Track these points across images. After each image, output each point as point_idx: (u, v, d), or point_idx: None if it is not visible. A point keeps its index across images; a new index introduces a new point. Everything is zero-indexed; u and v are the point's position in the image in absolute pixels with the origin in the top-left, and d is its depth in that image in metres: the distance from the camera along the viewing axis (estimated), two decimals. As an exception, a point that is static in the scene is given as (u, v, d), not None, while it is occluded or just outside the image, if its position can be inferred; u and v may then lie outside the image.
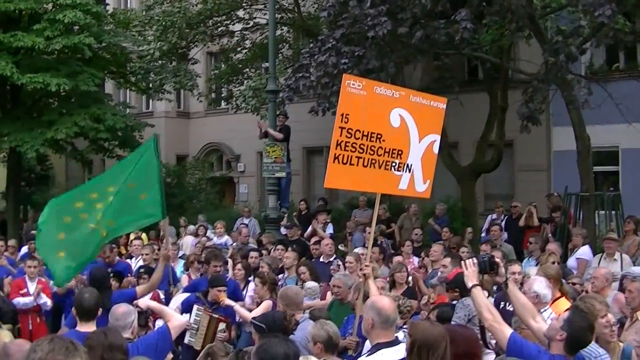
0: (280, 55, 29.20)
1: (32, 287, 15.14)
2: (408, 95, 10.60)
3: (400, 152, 10.28)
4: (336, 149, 9.81)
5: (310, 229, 21.75)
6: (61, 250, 12.58)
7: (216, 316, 12.36)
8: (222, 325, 12.33)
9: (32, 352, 4.21)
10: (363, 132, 9.94)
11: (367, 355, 7.43)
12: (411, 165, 10.41)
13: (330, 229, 21.76)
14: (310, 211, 24.79)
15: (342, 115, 9.82)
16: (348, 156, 9.88)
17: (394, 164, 10.25)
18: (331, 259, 16.66)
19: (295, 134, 24.21)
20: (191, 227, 24.44)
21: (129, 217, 12.98)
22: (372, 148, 10.03)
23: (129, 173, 13.12)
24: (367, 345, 7.93)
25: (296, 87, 20.84)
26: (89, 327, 8.65)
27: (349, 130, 9.86)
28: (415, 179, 10.54)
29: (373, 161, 10.08)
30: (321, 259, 16.84)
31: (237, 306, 12.43)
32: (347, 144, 9.87)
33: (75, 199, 13.08)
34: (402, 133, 10.30)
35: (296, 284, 13.70)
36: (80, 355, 4.21)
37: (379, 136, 10.06)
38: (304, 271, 14.45)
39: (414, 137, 10.40)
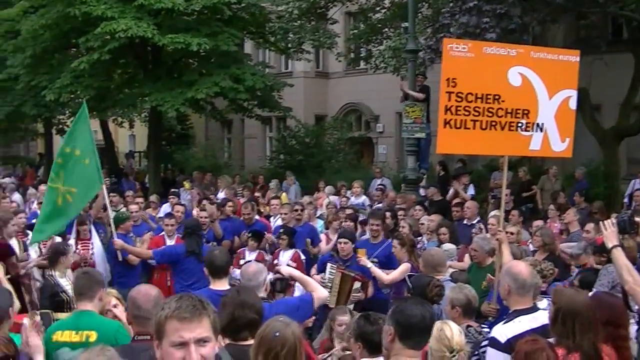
0: (419, 14, 28.85)
1: (170, 244, 15.12)
2: (528, 52, 10.28)
3: (526, 112, 9.99)
4: (446, 114, 9.62)
5: (452, 191, 21.49)
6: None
7: (352, 274, 12.43)
8: (357, 284, 12.36)
9: (160, 310, 4.20)
10: (476, 94, 9.70)
11: (504, 323, 7.29)
12: (542, 124, 10.11)
13: (471, 191, 21.46)
14: (449, 173, 24.56)
15: (448, 79, 9.60)
16: (461, 120, 9.67)
17: (519, 124, 9.98)
18: (474, 222, 16.40)
19: (435, 94, 23.90)
20: (330, 187, 24.53)
21: (83, 185, 13.28)
22: (490, 110, 9.79)
23: (72, 139, 13.59)
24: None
25: (437, 48, 20.57)
26: (221, 285, 8.78)
27: (459, 94, 9.63)
28: (551, 138, 10.25)
29: (493, 123, 9.84)
30: (465, 221, 16.62)
31: (373, 267, 12.38)
32: (459, 108, 9.65)
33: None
34: (526, 92, 9.99)
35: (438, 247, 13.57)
36: (207, 314, 4.15)
37: (496, 97, 9.81)
38: (444, 232, 14.32)
39: (542, 94, 10.07)
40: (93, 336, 7.17)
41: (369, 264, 12.38)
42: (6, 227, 13.90)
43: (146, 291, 6.69)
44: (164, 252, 13.67)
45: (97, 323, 7.40)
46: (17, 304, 8.18)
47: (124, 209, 17.48)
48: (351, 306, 12.33)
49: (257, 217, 17.73)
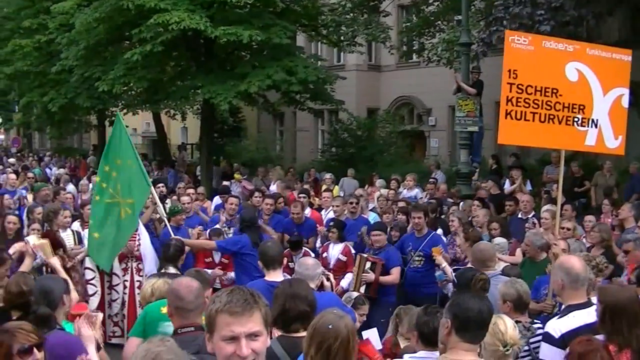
0: (472, 7, 28.70)
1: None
2: (584, 48, 10.29)
3: (582, 107, 10.03)
4: (507, 104, 9.67)
5: (508, 184, 21.33)
6: (95, 231, 13.26)
7: (365, 255, 12.81)
8: (368, 264, 12.53)
9: (211, 304, 4.16)
10: (536, 87, 9.76)
11: (558, 318, 7.23)
12: (597, 120, 10.15)
13: (528, 186, 21.30)
14: (502, 167, 24.41)
15: (510, 71, 9.68)
16: (522, 112, 9.74)
17: (576, 119, 10.02)
18: (529, 216, 16.23)
19: (487, 88, 23.77)
20: (381, 181, 24.50)
21: (136, 192, 13.26)
22: (549, 103, 9.84)
23: (113, 152, 13.61)
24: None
25: (490, 41, 20.44)
26: (275, 276, 8.79)
27: (519, 86, 9.70)
28: (604, 135, 10.28)
29: (551, 116, 9.89)
30: (519, 215, 16.46)
31: (447, 267, 12.28)
32: (519, 100, 9.72)
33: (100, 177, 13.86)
34: (582, 87, 10.04)
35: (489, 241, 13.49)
36: (259, 307, 4.10)
37: (554, 91, 9.85)
38: (495, 227, 14.24)
39: (597, 91, 10.13)
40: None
41: (444, 263, 12.39)
42: (57, 219, 14.08)
43: (188, 283, 6.65)
44: (228, 241, 13.41)
45: None
46: (75, 295, 8.25)
47: (168, 201, 17.51)
48: (363, 288, 12.51)
49: (308, 209, 17.66)
